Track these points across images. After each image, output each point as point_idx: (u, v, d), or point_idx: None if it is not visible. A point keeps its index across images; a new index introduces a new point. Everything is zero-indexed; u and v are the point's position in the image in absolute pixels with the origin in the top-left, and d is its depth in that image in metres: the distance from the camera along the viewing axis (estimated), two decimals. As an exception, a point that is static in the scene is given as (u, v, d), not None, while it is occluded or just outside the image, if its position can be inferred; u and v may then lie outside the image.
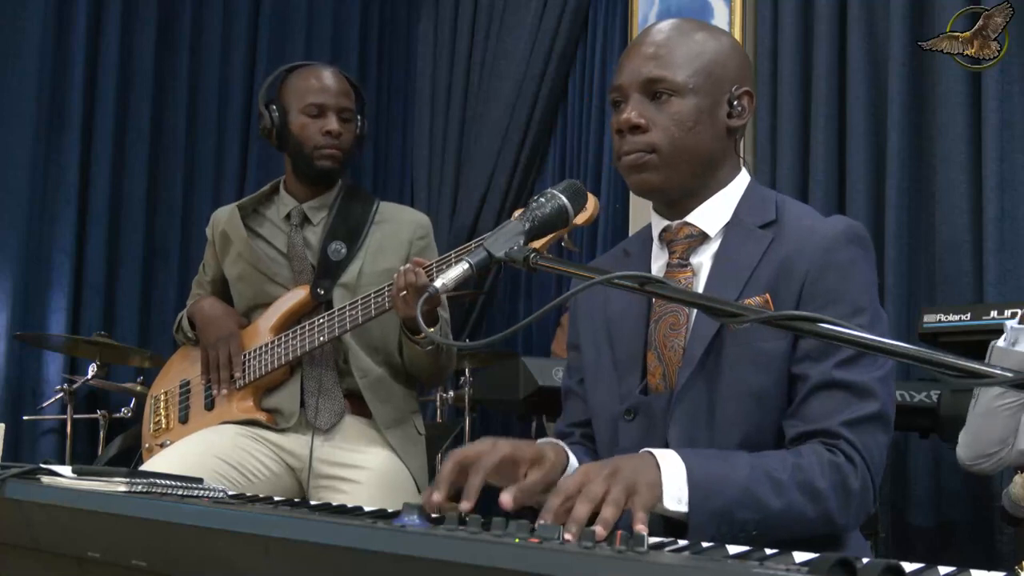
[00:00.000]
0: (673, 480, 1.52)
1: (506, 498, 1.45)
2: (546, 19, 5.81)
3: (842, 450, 1.65)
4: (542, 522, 1.33)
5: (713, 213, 1.86)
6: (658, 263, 1.92)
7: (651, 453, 1.55)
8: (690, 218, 1.87)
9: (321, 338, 2.79)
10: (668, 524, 1.59)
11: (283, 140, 2.98)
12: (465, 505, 1.43)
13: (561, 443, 1.81)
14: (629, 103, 1.83)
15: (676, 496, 1.52)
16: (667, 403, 1.78)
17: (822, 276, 1.74)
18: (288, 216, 2.99)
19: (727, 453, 1.64)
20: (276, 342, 2.87)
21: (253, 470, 2.80)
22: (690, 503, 1.52)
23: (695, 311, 1.79)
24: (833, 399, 1.68)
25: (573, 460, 1.77)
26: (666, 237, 1.90)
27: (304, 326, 2.82)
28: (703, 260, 1.86)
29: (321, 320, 2.80)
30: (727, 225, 1.86)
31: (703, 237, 1.86)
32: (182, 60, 5.87)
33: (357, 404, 2.89)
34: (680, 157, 1.82)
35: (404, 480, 2.84)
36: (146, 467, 2.70)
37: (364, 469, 2.81)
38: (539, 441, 1.82)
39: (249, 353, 2.92)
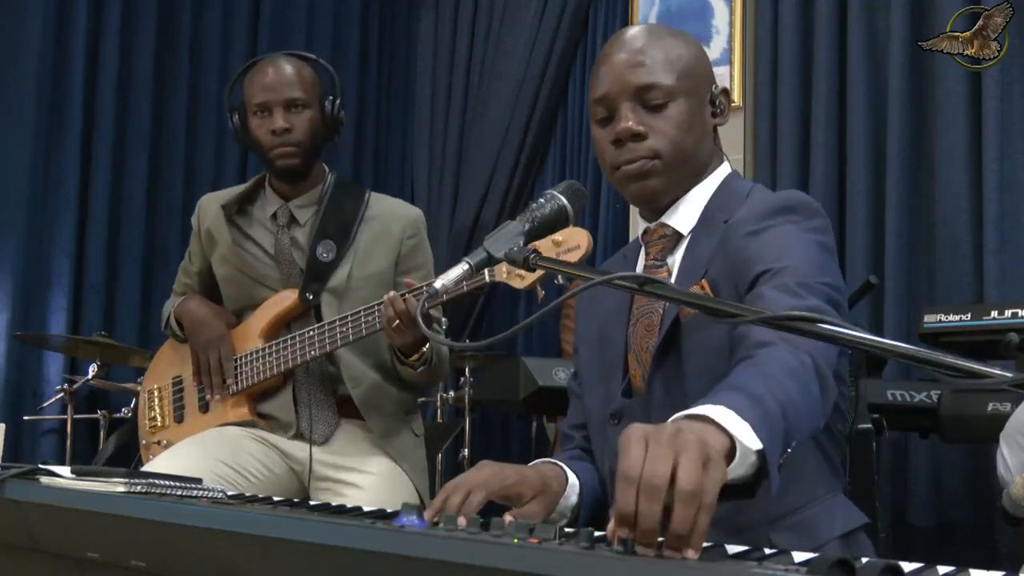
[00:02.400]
0: (730, 420, 1.24)
1: (508, 519, 1.36)
2: (546, 19, 5.80)
3: (763, 339, 1.49)
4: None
5: (687, 212, 1.88)
6: (641, 265, 1.94)
7: (687, 414, 1.26)
8: (665, 219, 1.89)
9: (312, 352, 2.76)
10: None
11: (249, 144, 2.96)
12: (461, 521, 1.34)
13: (560, 464, 1.81)
14: (621, 112, 1.83)
15: (745, 433, 1.23)
16: (643, 404, 1.80)
17: (746, 245, 1.72)
18: (275, 216, 2.95)
19: (719, 387, 1.39)
20: (267, 350, 2.84)
21: (255, 472, 2.79)
22: (756, 431, 1.24)
23: (666, 311, 1.80)
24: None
25: (572, 479, 1.78)
26: (645, 239, 1.93)
27: (295, 337, 2.79)
28: (676, 259, 1.87)
29: (311, 333, 2.76)
30: (697, 223, 1.86)
31: (678, 236, 1.88)
32: (182, 60, 5.87)
33: (352, 409, 2.86)
34: (681, 160, 1.83)
35: (404, 485, 2.83)
36: (147, 469, 2.70)
37: (365, 474, 2.80)
38: (537, 462, 1.82)
39: (241, 358, 2.90)
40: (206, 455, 2.73)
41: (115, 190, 5.53)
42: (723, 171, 1.93)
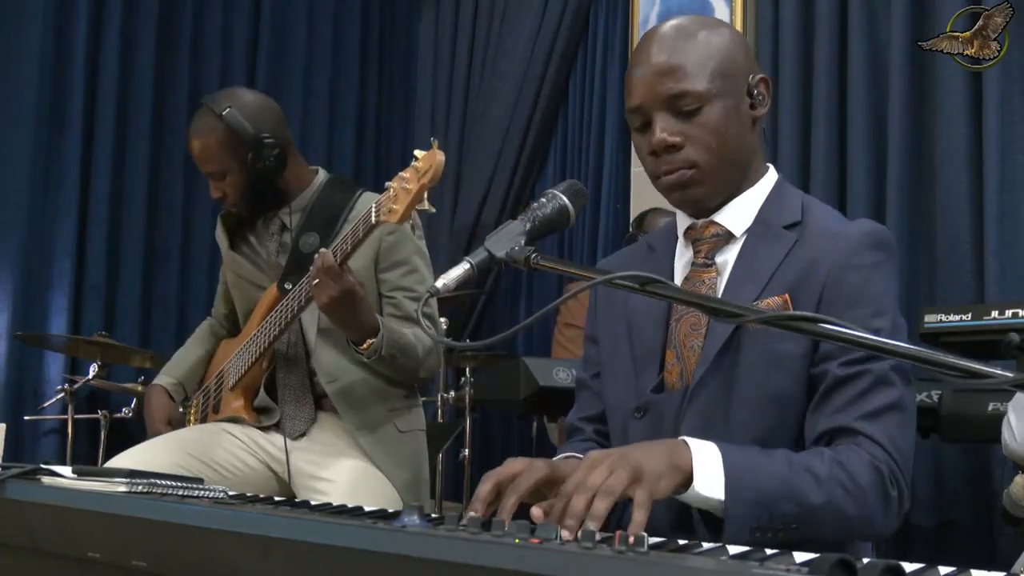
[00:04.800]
0: (706, 467, 1.50)
1: (537, 512, 1.42)
2: (547, 19, 5.81)
3: (867, 450, 1.63)
4: (544, 522, 1.33)
5: (740, 212, 1.85)
6: (682, 261, 1.91)
7: (684, 441, 1.53)
8: (717, 217, 1.86)
9: (274, 331, 2.80)
10: (705, 520, 1.58)
11: None
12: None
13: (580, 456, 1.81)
14: (656, 122, 1.79)
15: (709, 484, 1.50)
16: (680, 401, 1.78)
17: (843, 278, 1.72)
18: (269, 224, 3.03)
19: (762, 448, 1.62)
20: (249, 341, 2.90)
21: (227, 466, 2.82)
22: (727, 490, 1.50)
23: None
24: (849, 393, 1.66)
25: None
26: (691, 235, 1.89)
27: (266, 321, 2.84)
28: (728, 259, 1.84)
29: (275, 312, 2.81)
30: (752, 225, 1.84)
31: (729, 236, 1.85)
32: (182, 60, 5.87)
33: (331, 404, 2.88)
34: (721, 165, 1.80)
35: (379, 486, 2.79)
36: (115, 462, 2.72)
37: (337, 473, 2.79)
38: (562, 455, 1.82)
39: (235, 354, 2.96)
40: (174, 449, 2.77)
41: (115, 190, 5.53)
42: (773, 175, 1.91)
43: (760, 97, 1.85)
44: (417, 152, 2.42)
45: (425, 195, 2.44)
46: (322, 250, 2.59)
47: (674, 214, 1.96)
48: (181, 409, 3.10)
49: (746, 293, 1.76)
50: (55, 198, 5.32)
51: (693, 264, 1.87)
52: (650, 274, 1.47)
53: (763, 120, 1.88)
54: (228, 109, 2.88)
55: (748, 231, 1.84)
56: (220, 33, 6.03)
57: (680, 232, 1.92)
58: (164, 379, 3.11)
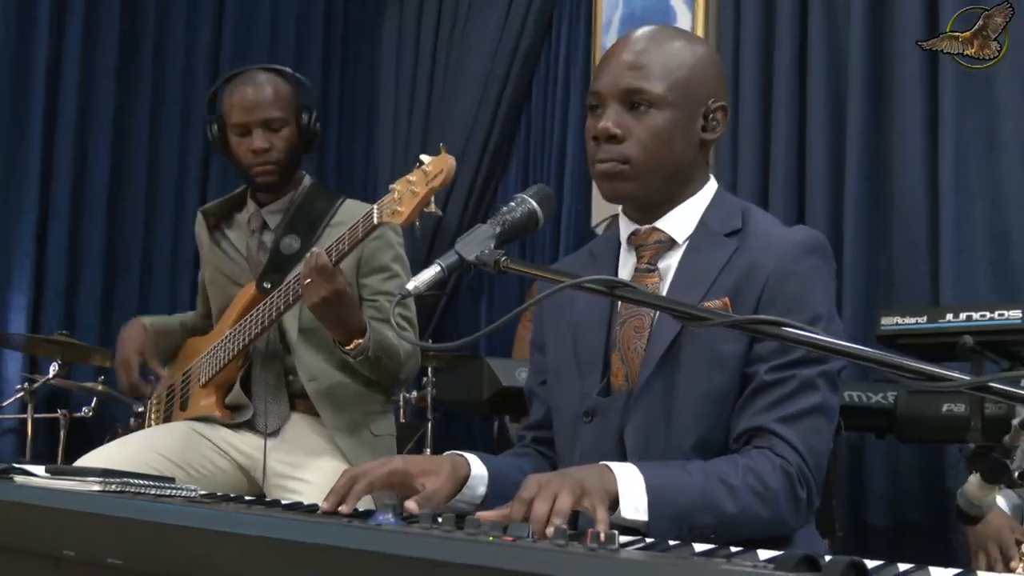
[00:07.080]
0: (630, 490, 1.56)
1: (411, 505, 1.51)
2: (511, 19, 5.82)
3: (778, 452, 1.70)
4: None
5: (682, 220, 1.89)
6: (626, 266, 1.94)
7: (607, 465, 1.58)
8: (659, 224, 1.90)
9: (255, 329, 2.79)
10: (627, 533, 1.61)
11: (227, 154, 3.00)
12: (344, 509, 1.55)
13: (465, 455, 1.83)
14: (607, 111, 1.84)
15: (634, 506, 1.55)
16: (625, 403, 1.82)
17: (782, 283, 1.78)
18: (250, 221, 3.02)
19: (681, 462, 1.69)
20: (225, 338, 2.89)
21: (197, 467, 2.82)
22: (649, 510, 1.55)
23: (658, 314, 1.82)
24: (772, 396, 1.73)
25: (478, 472, 1.80)
26: (634, 241, 1.93)
27: (245, 319, 2.84)
28: (670, 264, 1.88)
29: (255, 311, 2.80)
30: (694, 232, 1.89)
31: (671, 243, 1.89)
32: (145, 63, 5.84)
33: (307, 404, 2.89)
34: (653, 169, 1.84)
35: None
36: (83, 461, 2.70)
37: (315, 473, 2.80)
38: (446, 454, 1.84)
39: (207, 352, 2.94)
40: (145, 449, 2.76)
41: (76, 193, 5.50)
42: (713, 184, 1.95)
43: (714, 123, 1.90)
44: (424, 156, 2.45)
45: (432, 198, 2.46)
46: (314, 250, 2.59)
47: None
48: (144, 402, 3.08)
49: (689, 297, 1.79)
50: (16, 199, 5.29)
51: (636, 269, 1.91)
52: (617, 278, 1.50)
53: (713, 144, 1.94)
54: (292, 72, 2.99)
55: (690, 238, 1.89)
56: (184, 36, 6.00)
57: (624, 238, 1.96)
58: (145, 319, 3.09)
